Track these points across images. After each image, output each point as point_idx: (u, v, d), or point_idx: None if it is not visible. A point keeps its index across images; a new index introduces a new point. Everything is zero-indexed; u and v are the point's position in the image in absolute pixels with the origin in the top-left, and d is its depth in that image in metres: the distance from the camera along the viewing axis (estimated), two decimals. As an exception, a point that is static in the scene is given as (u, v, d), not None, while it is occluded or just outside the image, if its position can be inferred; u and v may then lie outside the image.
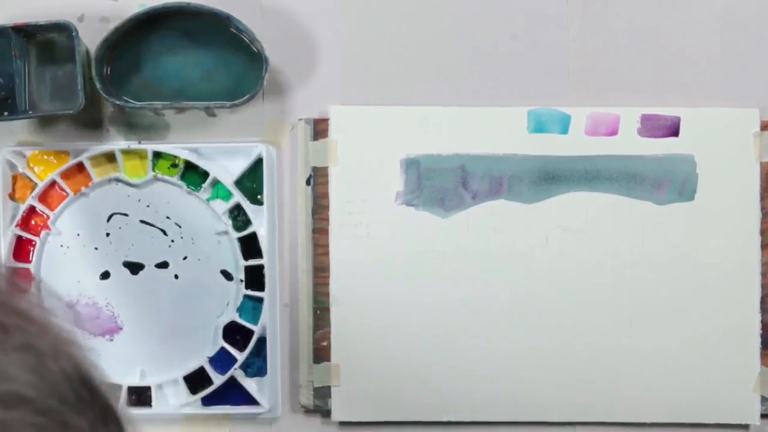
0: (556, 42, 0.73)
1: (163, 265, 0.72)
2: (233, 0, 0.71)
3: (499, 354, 0.71)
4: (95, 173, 0.72)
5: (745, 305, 0.71)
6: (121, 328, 0.72)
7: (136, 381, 0.71)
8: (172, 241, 0.72)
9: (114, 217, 0.72)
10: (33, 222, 0.72)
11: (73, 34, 0.68)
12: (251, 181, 0.72)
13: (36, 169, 0.72)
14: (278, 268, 0.72)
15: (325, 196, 0.71)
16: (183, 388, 0.71)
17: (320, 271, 0.71)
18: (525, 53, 0.73)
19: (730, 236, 0.71)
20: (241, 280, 0.71)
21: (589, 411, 0.71)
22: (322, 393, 0.71)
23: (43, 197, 0.72)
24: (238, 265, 0.71)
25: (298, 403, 0.72)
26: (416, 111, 0.71)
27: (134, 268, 0.72)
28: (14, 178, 0.72)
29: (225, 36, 0.71)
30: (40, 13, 0.71)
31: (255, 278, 0.71)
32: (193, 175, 0.71)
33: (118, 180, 0.72)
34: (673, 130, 0.71)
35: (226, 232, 0.71)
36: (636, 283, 0.71)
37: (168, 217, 0.72)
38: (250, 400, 0.71)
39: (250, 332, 0.71)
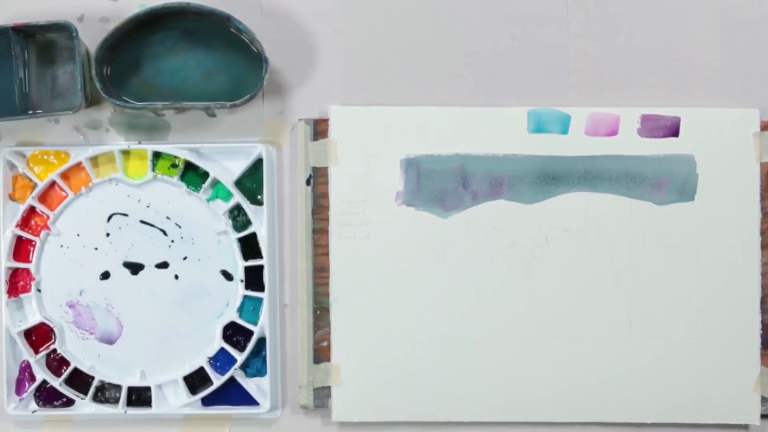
0: (556, 42, 0.73)
1: (163, 265, 0.72)
2: (233, 0, 0.71)
3: (498, 354, 0.71)
4: (95, 173, 0.72)
5: (745, 305, 0.71)
6: (121, 328, 0.72)
7: (136, 381, 0.71)
8: (172, 241, 0.72)
9: (114, 217, 0.72)
10: (33, 222, 0.72)
11: (73, 34, 0.68)
12: (251, 181, 0.72)
13: (36, 169, 0.72)
14: (278, 268, 0.72)
15: (325, 196, 0.71)
16: (183, 388, 0.71)
17: (320, 271, 0.71)
18: (525, 53, 0.73)
19: (730, 236, 0.71)
20: (241, 281, 0.71)
21: (589, 411, 0.71)
22: (322, 393, 0.71)
23: (43, 197, 0.72)
24: (238, 265, 0.71)
25: (298, 403, 0.72)
26: (416, 111, 0.71)
27: (134, 268, 0.72)
28: (14, 178, 0.72)
29: (225, 36, 0.71)
30: (40, 13, 0.71)
31: (255, 278, 0.71)
32: (193, 175, 0.72)
33: (118, 180, 0.72)
34: (673, 130, 0.71)
35: (226, 232, 0.71)
36: (636, 284, 0.71)
37: (168, 217, 0.72)
38: (250, 400, 0.71)
39: (250, 332, 0.71)
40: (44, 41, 0.71)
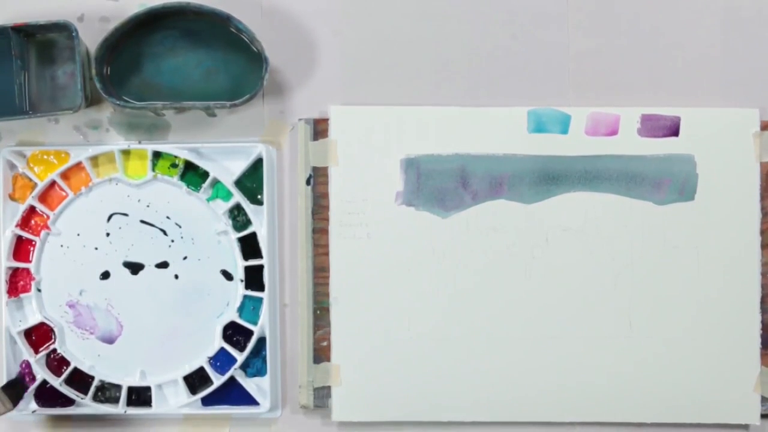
0: (556, 42, 0.73)
1: (163, 265, 0.72)
2: (233, 0, 0.71)
3: (498, 354, 0.71)
4: (95, 173, 0.72)
5: (745, 305, 0.71)
6: (121, 328, 0.72)
7: (136, 381, 0.71)
8: (172, 241, 0.72)
9: (114, 217, 0.72)
10: (33, 222, 0.72)
11: (73, 34, 0.68)
12: (251, 181, 0.72)
13: (36, 169, 0.72)
14: (278, 268, 0.72)
15: (325, 196, 0.71)
16: (183, 388, 0.71)
17: (320, 271, 0.71)
18: (525, 53, 0.73)
19: (730, 236, 0.71)
20: (241, 280, 0.71)
21: (589, 411, 0.71)
22: (322, 393, 0.71)
23: (43, 197, 0.72)
24: (238, 265, 0.71)
25: (298, 403, 0.72)
26: (416, 111, 0.71)
27: (134, 268, 0.72)
28: (14, 178, 0.72)
29: (225, 36, 0.71)
30: (40, 13, 0.71)
31: (255, 278, 0.71)
32: (193, 175, 0.72)
33: (118, 180, 0.72)
34: (673, 130, 0.71)
35: (226, 232, 0.71)
36: (636, 284, 0.71)
37: (168, 217, 0.72)
38: (250, 400, 0.71)
39: (250, 332, 0.71)
40: (44, 41, 0.71)
